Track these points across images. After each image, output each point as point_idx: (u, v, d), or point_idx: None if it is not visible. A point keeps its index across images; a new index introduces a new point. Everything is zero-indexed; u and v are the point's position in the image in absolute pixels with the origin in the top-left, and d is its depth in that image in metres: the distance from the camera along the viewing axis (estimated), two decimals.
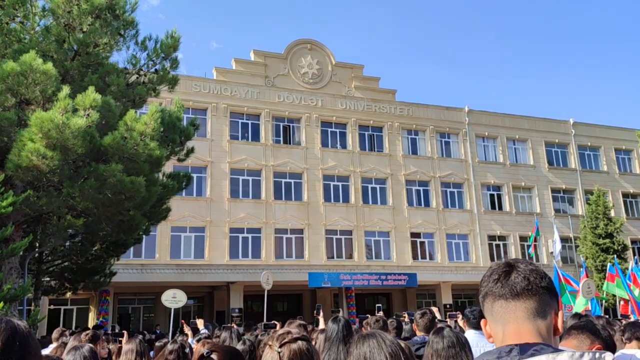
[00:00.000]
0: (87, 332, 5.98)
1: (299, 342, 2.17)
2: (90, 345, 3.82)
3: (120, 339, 7.09)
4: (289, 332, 2.26)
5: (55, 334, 7.78)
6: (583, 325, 2.93)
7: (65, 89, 9.89)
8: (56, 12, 11.30)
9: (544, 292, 1.37)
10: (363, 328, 8.47)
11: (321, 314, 8.28)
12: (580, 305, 14.24)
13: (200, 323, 8.42)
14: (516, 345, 1.28)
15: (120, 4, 11.91)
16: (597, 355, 1.24)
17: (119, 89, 12.14)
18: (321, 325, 7.02)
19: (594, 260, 30.39)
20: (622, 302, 15.66)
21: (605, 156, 36.69)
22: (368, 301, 30.14)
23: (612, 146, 37.04)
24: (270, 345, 2.20)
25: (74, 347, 3.71)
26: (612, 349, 2.90)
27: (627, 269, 18.01)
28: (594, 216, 31.85)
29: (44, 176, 10.15)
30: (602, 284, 19.61)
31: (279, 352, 2.15)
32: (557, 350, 1.26)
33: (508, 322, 1.35)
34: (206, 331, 7.86)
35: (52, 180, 10.57)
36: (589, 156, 36.59)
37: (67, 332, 8.09)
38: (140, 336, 5.42)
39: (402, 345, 2.30)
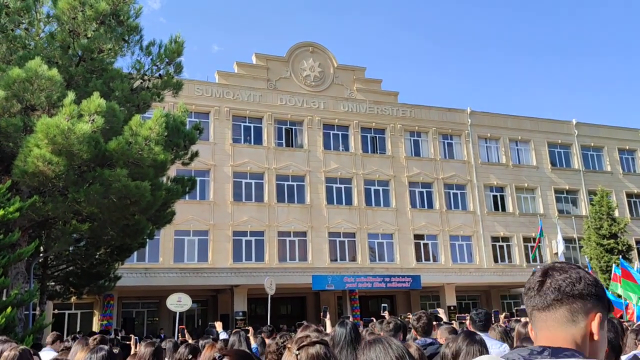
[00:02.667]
0: (95, 336, 6.02)
1: (317, 345, 2.22)
2: (107, 347, 3.87)
3: (128, 342, 7.14)
4: (307, 336, 2.32)
5: (49, 339, 7.84)
6: None
7: (71, 95, 9.96)
8: (61, 19, 11.38)
9: (575, 299, 1.36)
10: (366, 330, 8.50)
11: (327, 316, 8.30)
12: None
13: (219, 326, 8.46)
14: (549, 347, 1.32)
15: (124, 10, 11.99)
16: None
17: (123, 94, 12.22)
18: (328, 328, 7.04)
19: (599, 261, 30.31)
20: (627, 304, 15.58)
21: (608, 156, 36.65)
22: (372, 303, 30.13)
23: (616, 146, 36.99)
24: (289, 348, 2.25)
25: (93, 350, 3.75)
26: (618, 350, 2.92)
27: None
28: (598, 217, 31.78)
29: (49, 181, 10.23)
30: (607, 285, 19.58)
31: (297, 355, 2.20)
32: (587, 358, 1.29)
33: (541, 329, 1.39)
34: (226, 334, 7.89)
35: (57, 186, 10.64)
36: (592, 156, 36.55)
37: (69, 338, 8.17)
38: (157, 340, 5.46)
39: (415, 347, 2.34)
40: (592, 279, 1.40)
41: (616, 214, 32.65)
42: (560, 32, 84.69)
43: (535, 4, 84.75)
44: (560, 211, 34.10)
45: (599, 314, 1.36)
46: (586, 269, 1.45)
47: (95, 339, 5.90)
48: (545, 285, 1.40)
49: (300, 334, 3.14)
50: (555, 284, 1.38)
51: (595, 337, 1.34)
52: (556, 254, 30.85)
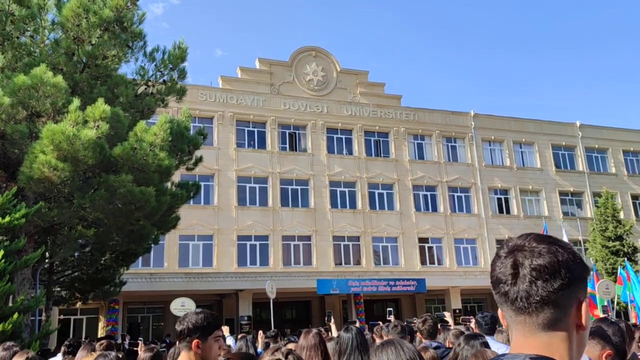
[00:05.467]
0: (102, 341, 6.05)
1: (290, 356, 2.21)
2: (114, 354, 3.89)
3: (135, 348, 7.15)
4: (279, 348, 2.37)
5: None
6: (594, 330, 2.94)
7: (76, 101, 10.03)
8: (65, 26, 11.47)
9: (559, 292, 1.12)
10: (375, 335, 8.49)
11: (332, 320, 8.31)
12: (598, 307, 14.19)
13: (225, 330, 8.47)
14: (531, 358, 1.10)
15: (128, 17, 12.07)
16: None
17: (127, 100, 12.29)
18: (334, 333, 7.04)
19: (604, 263, 30.17)
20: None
21: (613, 158, 36.52)
22: (377, 307, 30.08)
23: (620, 148, 36.86)
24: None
25: (101, 355, 3.77)
26: (623, 355, 2.91)
27: (638, 271, 17.88)
28: (603, 219, 31.64)
29: (55, 187, 10.29)
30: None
31: None
32: None
33: (516, 331, 1.17)
34: (232, 338, 7.91)
35: (63, 192, 10.70)
36: (596, 158, 36.43)
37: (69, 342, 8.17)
38: (155, 346, 5.48)
39: (432, 353, 2.36)
40: (571, 253, 1.15)
41: (621, 216, 32.51)
42: (565, 34, 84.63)
43: (540, 7, 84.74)
44: (565, 213, 33.98)
45: (584, 301, 1.16)
46: (562, 240, 1.19)
47: (102, 344, 5.92)
48: (519, 282, 1.14)
49: (301, 339, 3.14)
50: (529, 281, 1.13)
51: (584, 326, 1.15)
52: None
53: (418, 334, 5.18)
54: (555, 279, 1.13)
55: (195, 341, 2.51)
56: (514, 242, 1.20)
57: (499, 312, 1.25)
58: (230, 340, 7.72)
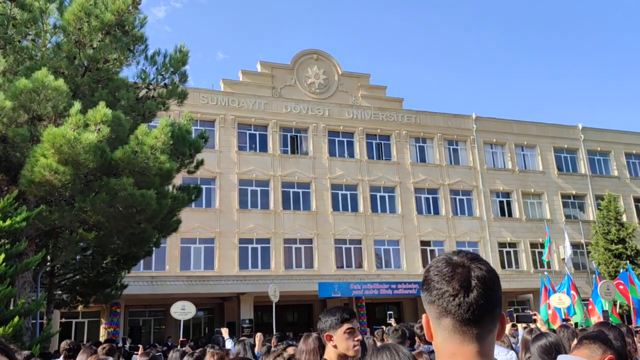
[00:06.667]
0: (104, 345, 6.04)
1: None
2: (113, 358, 3.87)
3: (135, 352, 7.14)
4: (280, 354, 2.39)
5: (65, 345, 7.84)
6: (595, 335, 2.93)
7: (77, 105, 10.04)
8: (67, 29, 11.49)
9: (498, 307, 1.23)
10: (375, 338, 8.46)
11: None
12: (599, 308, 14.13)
13: (225, 332, 8.46)
14: None
15: (130, 20, 12.09)
16: None
17: (129, 103, 12.30)
18: None
19: (607, 266, 30.08)
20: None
21: (615, 161, 36.43)
22: (378, 310, 30.02)
23: (623, 150, 36.77)
24: None
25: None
26: (624, 359, 2.89)
27: None
28: (606, 222, 31.56)
29: (56, 191, 10.29)
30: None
31: None
32: None
33: (454, 342, 1.21)
34: (232, 341, 7.90)
35: (64, 195, 10.71)
36: (599, 161, 36.34)
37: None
38: (154, 350, 5.48)
39: (427, 359, 2.35)
40: (497, 276, 1.27)
41: (624, 218, 32.43)
42: (567, 37, 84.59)
43: (541, 8, 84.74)
44: (568, 216, 33.89)
45: (502, 314, 1.27)
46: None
47: (105, 347, 5.92)
48: (474, 293, 1.20)
49: (301, 343, 3.13)
50: (483, 292, 1.20)
51: (502, 336, 1.26)
52: (564, 259, 30.64)
53: (417, 338, 5.16)
54: (497, 290, 1.24)
55: None
56: (455, 257, 1.32)
57: (424, 319, 1.32)
58: (229, 343, 7.70)
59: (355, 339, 2.79)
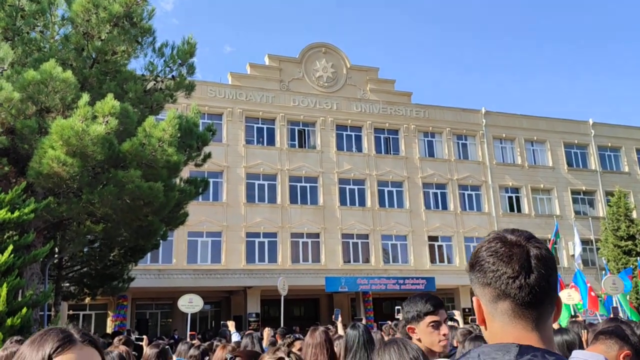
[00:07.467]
0: (120, 337, 6.08)
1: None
2: (120, 351, 3.85)
3: (140, 343, 7.16)
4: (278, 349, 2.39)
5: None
6: (612, 330, 2.86)
7: (85, 97, 10.02)
8: (75, 21, 11.46)
9: (555, 289, 1.19)
10: (383, 332, 8.41)
11: (339, 319, 8.24)
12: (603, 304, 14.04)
13: (231, 325, 8.44)
14: (517, 345, 1.12)
15: (138, 12, 12.04)
16: None
17: (136, 95, 12.27)
18: (340, 331, 6.97)
19: (616, 262, 29.84)
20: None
21: (626, 157, 36.05)
22: (385, 306, 29.98)
23: (634, 146, 36.37)
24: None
25: (105, 353, 3.76)
26: None
27: None
28: (615, 218, 31.27)
29: (64, 183, 10.29)
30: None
31: None
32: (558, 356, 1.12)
33: (517, 327, 1.16)
34: (238, 334, 7.89)
35: (72, 187, 10.71)
36: (609, 157, 35.98)
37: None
38: (161, 342, 5.48)
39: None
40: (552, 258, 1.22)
41: (634, 215, 32.12)
42: (577, 31, 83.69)
43: (551, 4, 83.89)
44: (577, 212, 33.61)
45: (558, 297, 1.22)
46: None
47: (121, 339, 5.96)
48: (533, 275, 1.16)
49: (307, 337, 3.08)
50: (544, 275, 1.16)
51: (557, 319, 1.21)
52: (573, 255, 30.41)
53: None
54: (554, 271, 1.19)
55: None
56: (510, 236, 1.24)
57: (475, 303, 1.25)
58: (236, 337, 7.68)
59: (442, 333, 2.53)
